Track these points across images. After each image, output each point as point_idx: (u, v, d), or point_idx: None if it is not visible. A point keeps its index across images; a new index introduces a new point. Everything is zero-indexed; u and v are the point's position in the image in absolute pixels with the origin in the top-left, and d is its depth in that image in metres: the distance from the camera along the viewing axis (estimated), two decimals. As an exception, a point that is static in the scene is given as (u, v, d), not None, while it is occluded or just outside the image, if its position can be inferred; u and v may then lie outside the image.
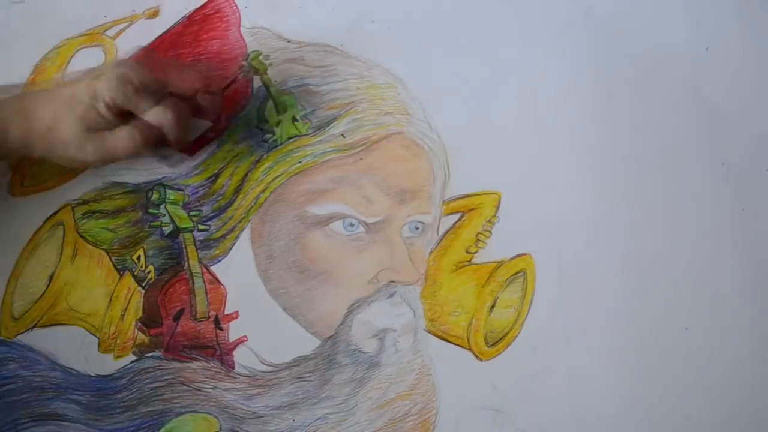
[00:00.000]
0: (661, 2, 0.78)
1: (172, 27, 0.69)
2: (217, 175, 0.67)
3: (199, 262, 0.66)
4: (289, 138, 0.68)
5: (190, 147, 0.67)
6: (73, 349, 0.64)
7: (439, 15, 0.75)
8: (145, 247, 0.66)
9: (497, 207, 0.71)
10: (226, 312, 0.66)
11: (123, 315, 0.65)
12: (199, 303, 0.66)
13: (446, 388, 0.68)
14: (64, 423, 0.63)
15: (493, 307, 0.70)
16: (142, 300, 0.65)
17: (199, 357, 0.65)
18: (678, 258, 0.73)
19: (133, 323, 0.65)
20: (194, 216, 0.67)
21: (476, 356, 0.69)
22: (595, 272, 0.72)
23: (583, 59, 0.76)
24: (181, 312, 0.66)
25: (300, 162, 0.68)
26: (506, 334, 0.70)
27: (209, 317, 0.66)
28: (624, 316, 0.72)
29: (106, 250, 0.65)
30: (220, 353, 0.66)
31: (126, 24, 0.69)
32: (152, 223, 0.66)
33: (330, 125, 0.69)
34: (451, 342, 0.69)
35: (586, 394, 0.70)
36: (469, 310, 0.70)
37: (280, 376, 0.66)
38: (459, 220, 0.71)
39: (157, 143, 0.61)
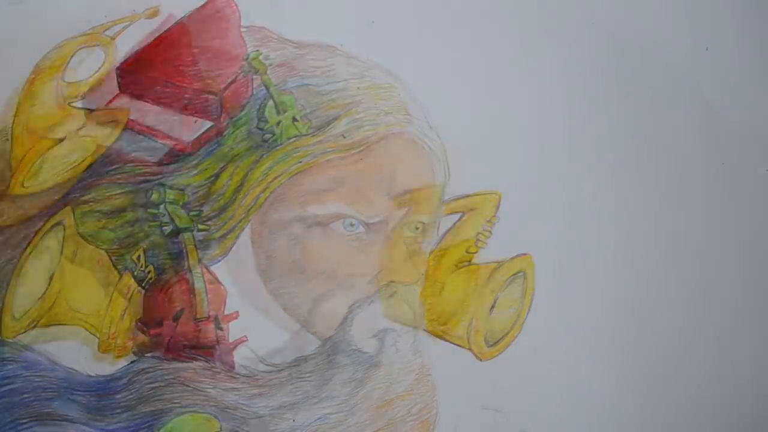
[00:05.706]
0: (661, 3, 0.78)
1: (172, 27, 0.69)
2: (217, 175, 0.67)
3: (199, 262, 0.66)
4: (289, 138, 0.68)
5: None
6: (73, 349, 0.64)
7: (439, 15, 0.75)
8: (145, 247, 0.66)
9: (497, 207, 0.71)
10: (226, 312, 0.66)
11: (123, 315, 0.65)
12: (199, 303, 0.66)
13: (446, 388, 0.68)
14: (64, 423, 0.63)
15: (493, 307, 0.70)
16: (142, 300, 0.65)
17: (199, 357, 0.65)
18: (678, 258, 0.73)
19: (133, 323, 0.65)
20: (194, 216, 0.67)
21: (476, 356, 0.69)
22: (595, 272, 0.72)
23: (583, 59, 0.76)
24: (181, 312, 0.65)
25: (300, 162, 0.68)
26: (506, 334, 0.70)
27: (209, 317, 0.66)
28: (624, 316, 0.72)
29: (106, 250, 0.65)
30: (220, 353, 0.66)
31: (126, 24, 0.69)
32: (152, 223, 0.66)
33: (330, 125, 0.69)
34: (451, 342, 0.69)
35: (586, 394, 0.70)
36: (469, 310, 0.70)
37: (280, 376, 0.66)
38: (459, 220, 0.71)
39: None
